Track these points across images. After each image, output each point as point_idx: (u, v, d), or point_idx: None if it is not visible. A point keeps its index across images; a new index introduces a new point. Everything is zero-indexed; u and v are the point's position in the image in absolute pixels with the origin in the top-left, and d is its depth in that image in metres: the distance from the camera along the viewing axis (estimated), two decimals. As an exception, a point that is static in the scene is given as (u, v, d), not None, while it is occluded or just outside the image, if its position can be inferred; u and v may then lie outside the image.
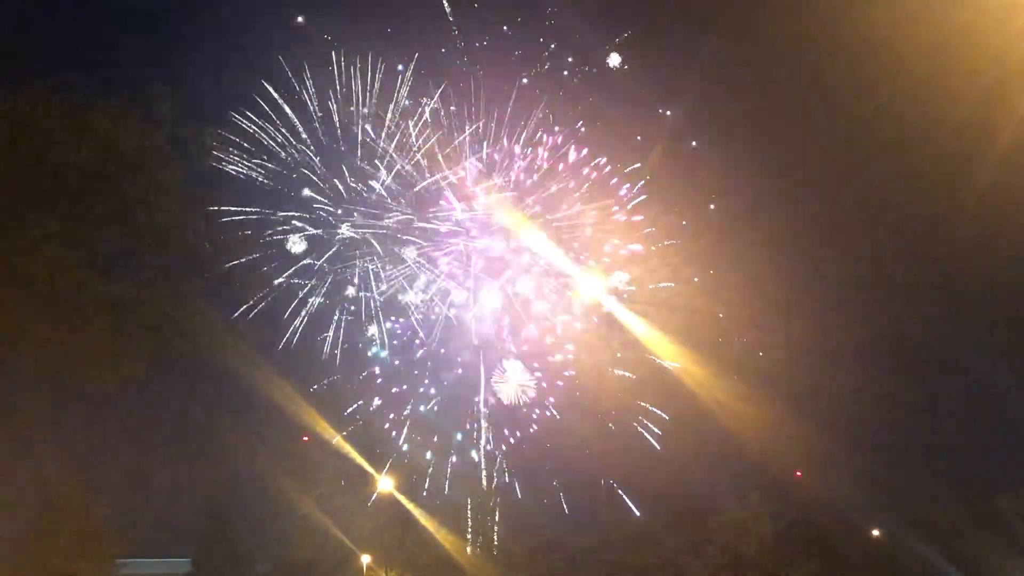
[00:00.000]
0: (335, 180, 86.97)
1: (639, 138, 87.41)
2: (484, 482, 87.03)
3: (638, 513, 79.46)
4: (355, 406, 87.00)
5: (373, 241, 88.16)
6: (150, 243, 50.86)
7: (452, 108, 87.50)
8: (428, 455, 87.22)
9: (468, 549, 79.28)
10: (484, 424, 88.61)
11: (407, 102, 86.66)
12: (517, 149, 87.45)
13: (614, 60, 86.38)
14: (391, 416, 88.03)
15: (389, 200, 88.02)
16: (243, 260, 79.05)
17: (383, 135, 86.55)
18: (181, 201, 52.07)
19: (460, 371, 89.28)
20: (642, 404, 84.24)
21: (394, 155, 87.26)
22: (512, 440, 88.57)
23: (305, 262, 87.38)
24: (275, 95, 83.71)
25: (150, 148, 49.44)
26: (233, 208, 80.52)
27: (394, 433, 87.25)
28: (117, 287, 49.52)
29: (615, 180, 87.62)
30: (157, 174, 49.39)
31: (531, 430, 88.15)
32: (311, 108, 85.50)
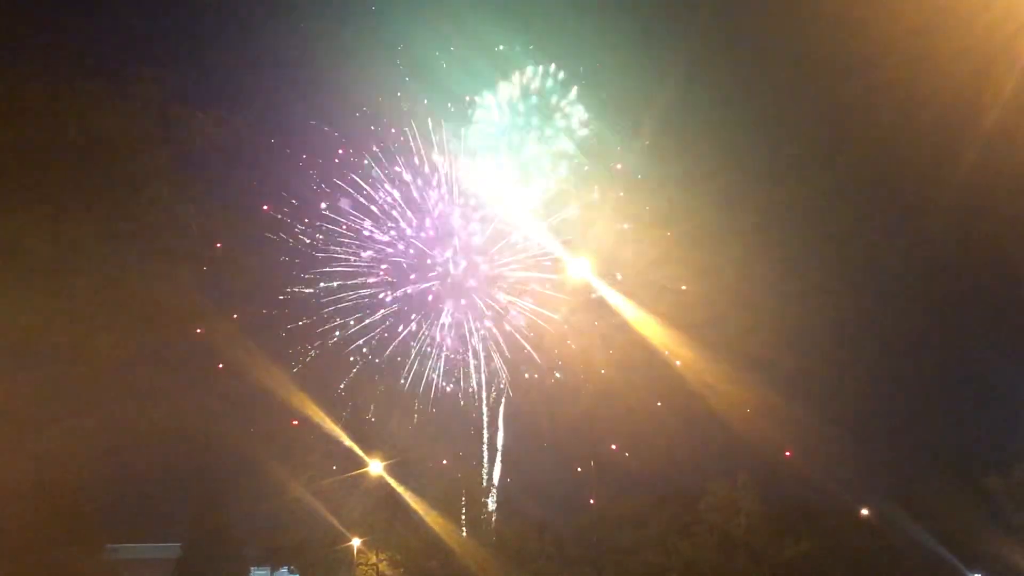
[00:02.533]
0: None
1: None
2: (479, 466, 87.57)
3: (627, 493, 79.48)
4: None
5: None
6: (139, 225, 50.78)
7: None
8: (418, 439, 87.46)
9: (458, 531, 79.39)
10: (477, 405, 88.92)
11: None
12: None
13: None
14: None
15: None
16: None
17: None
18: (171, 184, 51.97)
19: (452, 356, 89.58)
20: (632, 386, 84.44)
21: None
22: (503, 422, 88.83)
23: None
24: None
25: (139, 131, 49.35)
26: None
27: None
28: (106, 269, 49.46)
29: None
30: (146, 157, 49.31)
31: (521, 412, 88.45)
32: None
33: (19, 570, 57.47)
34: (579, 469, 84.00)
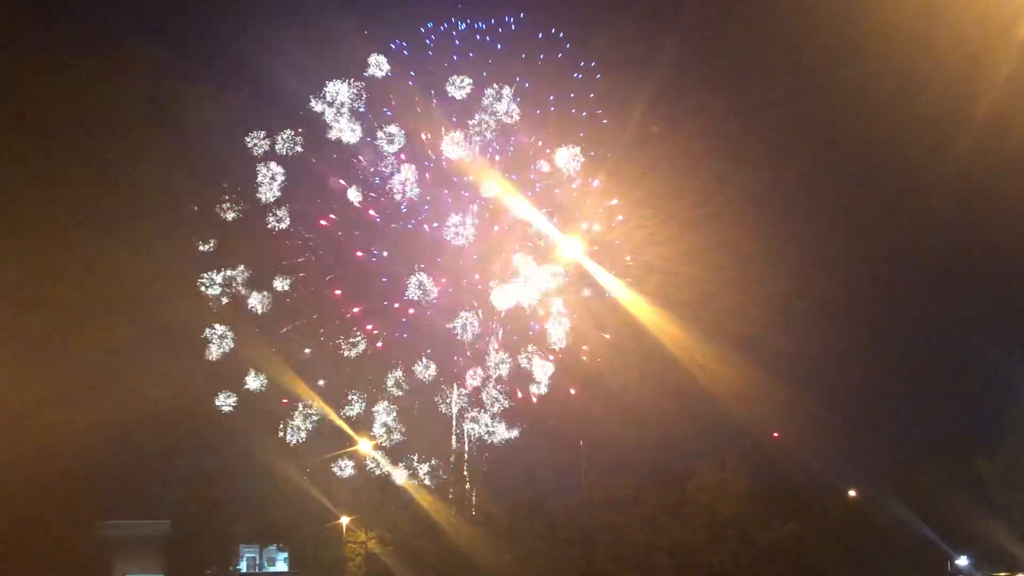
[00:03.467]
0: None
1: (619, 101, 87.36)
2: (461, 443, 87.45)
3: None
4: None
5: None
6: (131, 201, 50.72)
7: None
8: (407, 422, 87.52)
9: (447, 511, 79.49)
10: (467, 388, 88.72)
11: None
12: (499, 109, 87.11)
13: None
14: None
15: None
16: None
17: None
18: (163, 160, 51.94)
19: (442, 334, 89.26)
20: (622, 366, 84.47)
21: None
22: (493, 404, 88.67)
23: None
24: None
25: (131, 108, 49.29)
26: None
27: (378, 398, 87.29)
28: (98, 245, 49.42)
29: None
30: (138, 133, 49.23)
31: (512, 394, 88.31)
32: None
33: (10, 546, 57.56)
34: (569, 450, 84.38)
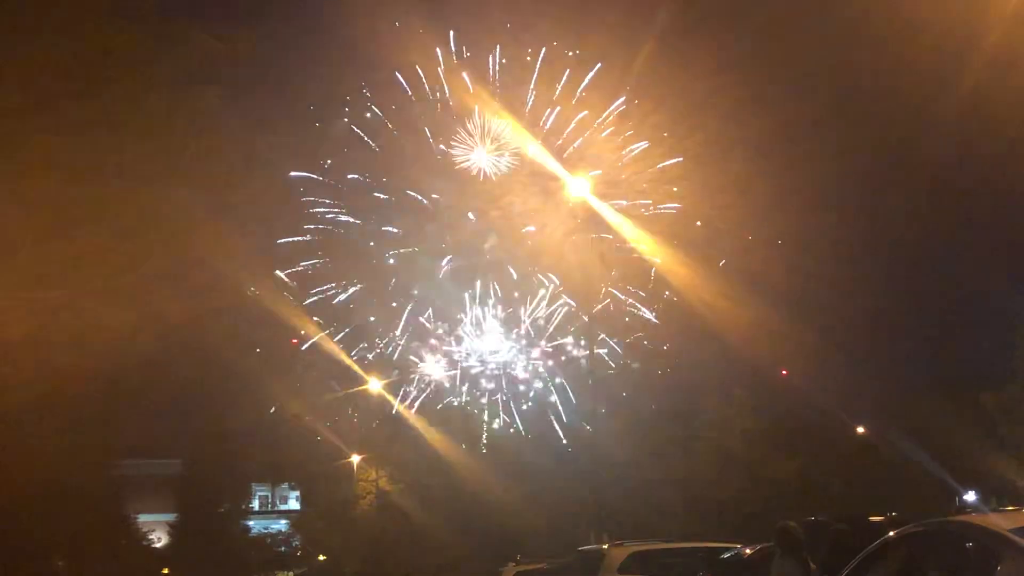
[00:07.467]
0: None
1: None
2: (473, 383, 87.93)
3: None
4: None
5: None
6: (136, 143, 50.44)
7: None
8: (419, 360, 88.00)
9: (457, 448, 79.98)
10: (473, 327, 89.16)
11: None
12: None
13: None
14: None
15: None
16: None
17: None
18: (169, 99, 51.56)
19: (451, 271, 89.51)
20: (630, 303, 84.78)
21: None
22: (501, 342, 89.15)
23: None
24: None
25: (136, 45, 48.86)
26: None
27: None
28: (103, 188, 49.23)
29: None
30: (144, 72, 48.84)
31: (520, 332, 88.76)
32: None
33: (20, 485, 57.78)
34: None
